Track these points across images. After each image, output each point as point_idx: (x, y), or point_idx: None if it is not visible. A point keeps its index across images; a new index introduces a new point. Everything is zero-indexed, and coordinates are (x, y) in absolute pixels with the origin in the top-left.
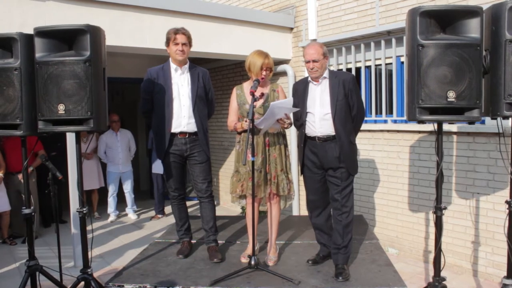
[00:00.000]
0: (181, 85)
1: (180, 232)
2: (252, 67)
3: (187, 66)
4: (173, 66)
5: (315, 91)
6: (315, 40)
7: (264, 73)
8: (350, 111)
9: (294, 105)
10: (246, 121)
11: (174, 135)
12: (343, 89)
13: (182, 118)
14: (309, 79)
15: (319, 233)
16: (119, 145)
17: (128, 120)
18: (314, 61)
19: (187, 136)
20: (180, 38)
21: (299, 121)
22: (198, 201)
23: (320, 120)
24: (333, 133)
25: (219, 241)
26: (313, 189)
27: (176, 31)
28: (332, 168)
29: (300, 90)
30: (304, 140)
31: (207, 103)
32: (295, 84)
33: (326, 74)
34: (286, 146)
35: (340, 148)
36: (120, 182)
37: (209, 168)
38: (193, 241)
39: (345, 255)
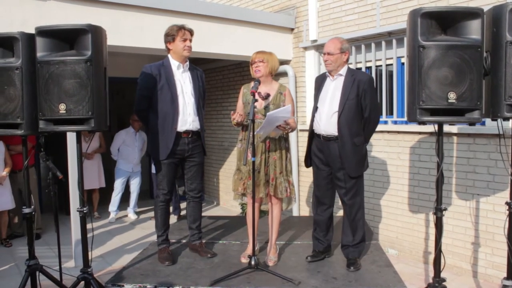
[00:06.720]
0: (183, 83)
1: (162, 238)
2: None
3: (188, 63)
4: (175, 63)
5: (329, 87)
6: (315, 41)
7: (254, 66)
8: (360, 113)
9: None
10: (239, 116)
11: (178, 134)
12: (356, 88)
13: (188, 115)
14: (327, 73)
15: (316, 228)
16: (136, 145)
17: (128, 120)
18: (328, 53)
19: (190, 136)
20: (188, 34)
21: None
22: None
23: (326, 118)
24: (337, 133)
25: (219, 241)
26: (319, 185)
27: (184, 27)
28: (336, 168)
29: (318, 84)
30: (311, 136)
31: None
32: (316, 77)
33: (343, 71)
34: (287, 149)
35: (341, 149)
36: (127, 182)
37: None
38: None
39: (357, 249)
